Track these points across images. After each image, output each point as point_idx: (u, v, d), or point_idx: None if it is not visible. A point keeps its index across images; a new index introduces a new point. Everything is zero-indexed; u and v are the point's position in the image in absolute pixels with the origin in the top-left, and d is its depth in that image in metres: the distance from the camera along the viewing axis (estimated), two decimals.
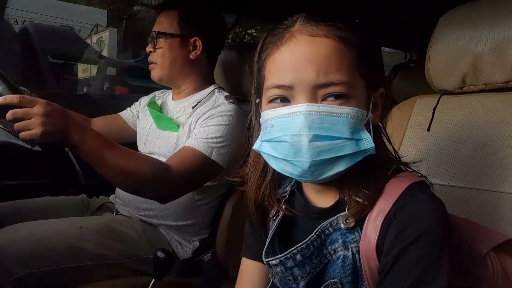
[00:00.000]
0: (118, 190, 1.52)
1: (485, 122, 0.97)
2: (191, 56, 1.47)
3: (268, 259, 0.75)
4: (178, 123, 1.44)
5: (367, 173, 0.68)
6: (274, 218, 0.80)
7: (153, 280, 1.03)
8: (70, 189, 1.55)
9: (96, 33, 6.26)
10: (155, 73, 1.49)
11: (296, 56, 0.66)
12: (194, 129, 1.37)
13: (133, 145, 1.58)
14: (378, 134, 0.71)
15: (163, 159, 1.32)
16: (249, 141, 0.81)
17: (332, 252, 0.71)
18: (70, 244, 1.21)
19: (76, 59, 4.84)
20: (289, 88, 0.67)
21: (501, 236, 0.72)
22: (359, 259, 0.68)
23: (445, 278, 0.60)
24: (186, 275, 1.41)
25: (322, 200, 0.74)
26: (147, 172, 1.16)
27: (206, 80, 1.53)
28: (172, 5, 1.49)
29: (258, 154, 0.77)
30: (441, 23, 1.05)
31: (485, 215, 0.89)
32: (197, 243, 1.43)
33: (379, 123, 0.72)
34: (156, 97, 1.64)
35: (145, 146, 1.52)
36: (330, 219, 0.70)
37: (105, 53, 5.68)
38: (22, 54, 3.16)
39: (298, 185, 0.79)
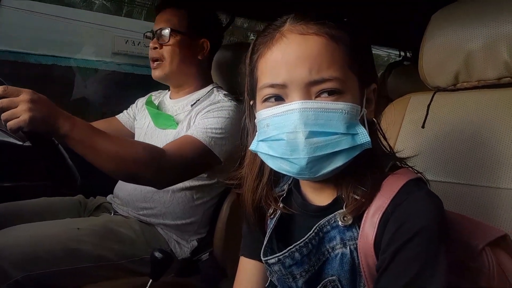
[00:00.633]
0: (116, 189, 1.52)
1: (479, 118, 0.98)
2: (199, 57, 1.48)
3: (266, 258, 0.75)
4: (177, 121, 1.44)
5: (363, 170, 0.69)
6: (272, 216, 0.80)
7: (150, 280, 1.03)
8: (66, 188, 1.55)
9: None
10: (163, 71, 1.45)
11: (288, 55, 0.67)
12: (193, 123, 1.37)
13: None
14: (373, 129, 0.72)
15: None
16: (244, 143, 0.81)
17: (330, 250, 0.71)
18: (67, 246, 1.21)
19: None
20: (283, 86, 0.67)
21: (496, 231, 0.73)
22: (357, 256, 0.68)
23: (443, 275, 0.60)
24: (184, 274, 1.41)
25: (320, 198, 0.75)
26: (140, 156, 1.13)
27: (205, 80, 1.54)
28: (180, 3, 1.47)
29: (254, 155, 0.77)
30: (433, 21, 1.06)
31: (480, 210, 0.90)
32: (195, 243, 1.44)
33: (373, 119, 0.72)
34: (153, 97, 1.64)
35: None
36: (328, 217, 0.71)
37: None
38: None
39: (295, 183, 0.80)
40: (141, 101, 1.69)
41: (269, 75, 0.69)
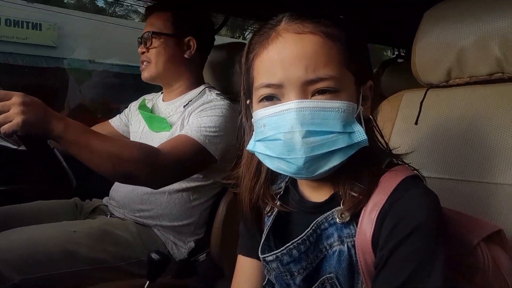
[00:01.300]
0: (112, 191, 1.52)
1: (471, 114, 0.98)
2: (185, 56, 1.49)
3: (264, 256, 0.75)
4: (170, 123, 1.45)
5: (360, 167, 0.69)
6: (269, 214, 0.80)
7: (147, 282, 1.03)
8: (62, 191, 1.54)
9: None
10: (148, 72, 1.49)
11: (284, 54, 0.67)
12: (187, 123, 1.37)
13: None
14: (370, 126, 0.72)
15: None
16: (241, 142, 0.81)
17: (328, 247, 0.71)
18: (64, 248, 1.20)
19: None
20: (279, 86, 0.67)
21: (491, 227, 0.73)
22: (355, 253, 0.69)
23: (440, 271, 0.60)
24: (181, 276, 1.41)
25: (317, 195, 0.75)
26: (135, 156, 1.12)
27: (197, 80, 1.55)
28: (165, 6, 1.51)
29: (252, 155, 0.77)
30: (425, 18, 1.07)
31: (474, 206, 0.91)
32: (192, 244, 1.43)
33: (370, 116, 0.72)
34: (146, 100, 1.64)
35: None
36: (325, 214, 0.71)
37: None
38: None
39: (292, 181, 0.80)
40: (134, 105, 1.69)
41: (265, 75, 0.69)
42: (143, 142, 1.47)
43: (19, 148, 1.10)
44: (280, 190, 0.80)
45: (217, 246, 1.43)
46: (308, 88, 0.66)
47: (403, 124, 1.09)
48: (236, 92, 0.82)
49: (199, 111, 1.37)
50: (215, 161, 1.32)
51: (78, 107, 7.93)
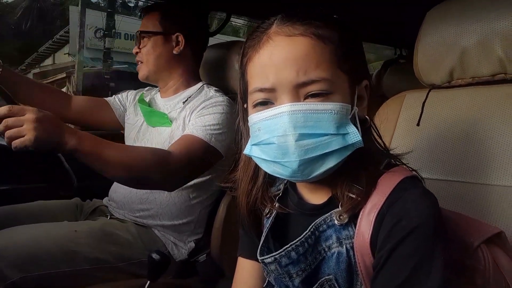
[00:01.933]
0: (111, 192, 1.52)
1: (473, 115, 0.98)
2: (174, 52, 1.50)
3: (262, 258, 0.75)
4: (170, 118, 1.45)
5: (358, 169, 0.69)
6: (268, 215, 0.80)
7: (148, 282, 1.04)
8: (63, 190, 1.55)
9: None
10: (142, 72, 1.52)
11: (275, 57, 0.67)
12: (189, 121, 1.38)
13: (114, 136, 1.58)
14: (366, 127, 0.71)
15: None
16: (239, 146, 0.81)
17: (326, 249, 0.71)
18: (65, 247, 1.21)
19: None
20: (271, 90, 0.67)
21: (492, 229, 0.73)
22: (354, 255, 0.68)
23: (439, 272, 0.60)
24: (182, 276, 1.41)
25: (315, 196, 0.75)
26: (149, 161, 1.15)
27: (192, 77, 1.56)
28: (155, 7, 1.54)
29: (249, 159, 0.77)
30: (428, 18, 1.06)
31: (475, 208, 0.90)
32: (192, 244, 1.44)
33: (366, 116, 0.72)
34: (144, 94, 1.64)
35: (135, 142, 1.53)
36: (324, 216, 0.71)
37: None
38: None
39: (291, 183, 0.79)
40: (131, 94, 1.69)
41: (258, 79, 0.68)
42: (140, 135, 1.51)
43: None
44: (279, 192, 0.80)
45: (217, 246, 1.43)
46: (300, 91, 0.65)
47: (405, 125, 1.09)
48: (233, 93, 0.82)
49: (200, 109, 1.38)
50: (222, 157, 1.34)
51: None
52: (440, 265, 0.60)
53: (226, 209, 1.42)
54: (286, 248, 0.72)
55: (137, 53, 1.52)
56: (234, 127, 0.82)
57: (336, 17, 0.71)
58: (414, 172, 0.72)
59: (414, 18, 1.13)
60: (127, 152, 1.15)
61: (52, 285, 1.18)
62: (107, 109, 1.65)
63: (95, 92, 9.33)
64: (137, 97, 1.64)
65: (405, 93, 1.14)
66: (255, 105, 0.70)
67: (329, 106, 0.65)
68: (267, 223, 0.79)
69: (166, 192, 1.39)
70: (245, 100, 0.75)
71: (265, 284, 0.83)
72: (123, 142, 1.60)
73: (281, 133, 0.65)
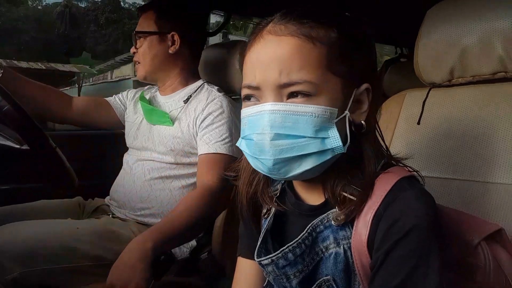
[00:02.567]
0: (111, 192, 1.53)
1: (474, 114, 0.97)
2: (170, 51, 1.50)
3: (260, 259, 0.75)
4: (171, 118, 1.46)
5: (355, 169, 0.68)
6: (266, 216, 0.80)
7: (153, 280, 1.04)
8: (64, 189, 1.55)
9: None
10: (140, 72, 1.52)
11: (262, 56, 0.67)
12: (197, 132, 1.41)
13: (111, 136, 1.56)
14: (364, 132, 0.69)
15: (157, 154, 1.40)
16: None
17: (324, 250, 0.71)
18: (66, 244, 1.21)
19: None
20: (257, 88, 0.67)
21: (492, 226, 0.73)
22: (351, 255, 0.68)
23: (436, 272, 0.60)
24: (184, 274, 1.41)
25: (312, 197, 0.75)
26: (199, 206, 1.25)
27: (190, 75, 1.56)
28: (150, 7, 1.54)
29: None
30: (428, 17, 1.06)
31: (476, 205, 0.90)
32: (194, 243, 1.44)
33: (362, 122, 0.69)
34: (145, 92, 1.65)
35: (134, 140, 1.53)
36: (321, 217, 0.71)
37: None
38: None
39: (288, 183, 0.79)
40: (131, 92, 1.70)
41: (247, 76, 0.69)
42: (140, 133, 1.52)
43: (22, 147, 1.10)
44: (276, 192, 0.80)
45: (219, 244, 1.43)
46: (282, 91, 0.65)
47: (405, 123, 1.09)
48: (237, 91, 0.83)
49: (209, 122, 1.40)
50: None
51: None
52: (437, 266, 0.60)
53: (227, 208, 1.43)
54: (283, 250, 0.72)
55: (134, 53, 1.53)
56: (238, 126, 0.85)
57: (340, 17, 0.70)
58: (412, 172, 0.72)
59: (415, 17, 1.13)
60: (182, 218, 1.21)
61: (53, 281, 1.18)
62: (108, 109, 1.66)
63: None
64: (137, 95, 1.64)
65: (406, 92, 1.14)
66: (244, 99, 0.71)
67: (310, 109, 0.64)
68: (265, 224, 0.79)
69: (167, 190, 1.41)
70: None
71: (265, 284, 0.83)
72: (124, 142, 1.60)
73: (260, 131, 0.65)
